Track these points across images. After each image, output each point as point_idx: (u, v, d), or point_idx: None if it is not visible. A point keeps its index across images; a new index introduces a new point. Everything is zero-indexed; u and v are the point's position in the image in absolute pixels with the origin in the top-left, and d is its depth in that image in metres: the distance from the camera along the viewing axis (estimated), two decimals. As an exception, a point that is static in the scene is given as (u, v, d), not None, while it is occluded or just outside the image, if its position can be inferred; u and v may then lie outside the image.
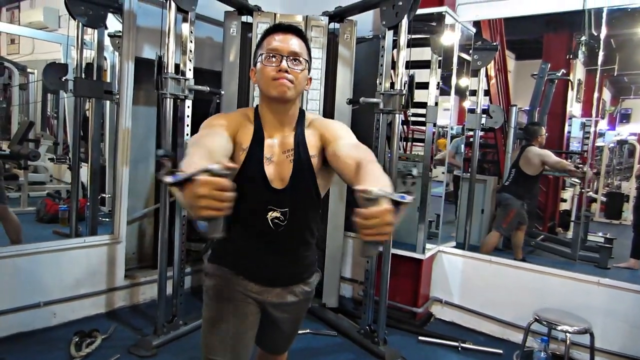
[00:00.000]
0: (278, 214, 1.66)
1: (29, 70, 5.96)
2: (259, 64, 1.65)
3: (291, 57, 1.62)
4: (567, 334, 3.15)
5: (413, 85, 3.33)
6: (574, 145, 7.06)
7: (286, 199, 1.66)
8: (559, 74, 6.44)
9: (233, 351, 1.75)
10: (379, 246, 1.20)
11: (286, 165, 1.65)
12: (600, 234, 6.17)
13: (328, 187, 1.81)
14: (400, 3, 3.32)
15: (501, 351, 3.71)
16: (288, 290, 1.81)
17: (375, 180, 1.29)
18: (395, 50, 3.48)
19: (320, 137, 1.69)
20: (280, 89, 1.60)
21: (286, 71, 1.60)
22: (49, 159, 6.01)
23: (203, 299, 1.83)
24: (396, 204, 1.16)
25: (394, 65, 3.52)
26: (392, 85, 3.50)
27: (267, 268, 1.75)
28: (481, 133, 5.29)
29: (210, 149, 1.41)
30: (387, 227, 1.12)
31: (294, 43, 1.64)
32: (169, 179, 1.10)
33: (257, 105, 1.75)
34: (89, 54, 4.32)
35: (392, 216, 1.13)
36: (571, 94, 6.75)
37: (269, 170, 1.65)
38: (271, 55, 1.61)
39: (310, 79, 1.75)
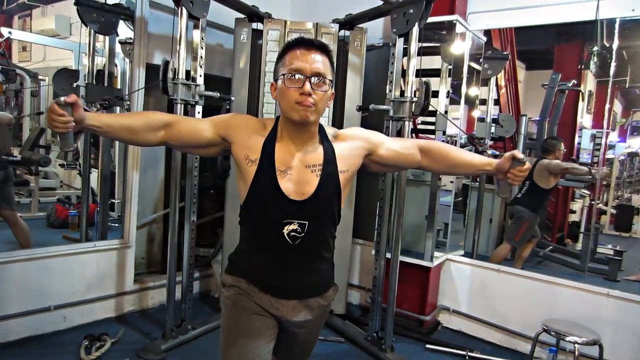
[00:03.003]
0: (295, 226, 1.65)
1: (40, 77, 6.00)
2: (280, 82, 1.61)
3: (315, 78, 1.57)
4: (576, 345, 3.11)
5: (429, 92, 3.30)
6: (584, 157, 7.01)
7: (306, 211, 1.65)
8: (570, 85, 6.41)
9: None
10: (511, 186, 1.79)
11: (310, 178, 1.65)
12: (609, 246, 6.11)
13: (346, 199, 1.81)
14: (412, 11, 3.32)
15: (509, 361, 3.69)
16: (304, 303, 1.78)
17: (469, 154, 1.89)
18: (405, 58, 3.48)
19: (365, 145, 1.77)
20: (302, 114, 1.57)
21: (309, 94, 1.56)
22: (59, 164, 6.04)
23: (221, 310, 1.82)
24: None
25: (404, 73, 3.53)
26: (402, 93, 3.51)
27: (282, 281, 1.73)
28: (491, 142, 5.27)
29: (152, 122, 1.68)
30: (523, 177, 1.71)
31: (318, 62, 1.59)
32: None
33: (278, 117, 1.73)
34: (100, 61, 4.36)
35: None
36: (582, 105, 6.72)
37: (285, 183, 1.63)
38: (293, 75, 1.57)
39: (334, 94, 1.73)
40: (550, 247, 6.18)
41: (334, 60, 1.71)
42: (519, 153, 1.66)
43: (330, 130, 1.77)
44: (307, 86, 1.55)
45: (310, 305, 1.79)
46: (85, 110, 1.54)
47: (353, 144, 1.75)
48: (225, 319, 1.78)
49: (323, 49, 1.64)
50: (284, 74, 1.60)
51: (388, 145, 1.82)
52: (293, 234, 1.65)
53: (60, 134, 1.51)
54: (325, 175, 1.66)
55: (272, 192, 1.63)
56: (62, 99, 1.47)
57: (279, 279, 1.73)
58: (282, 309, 1.75)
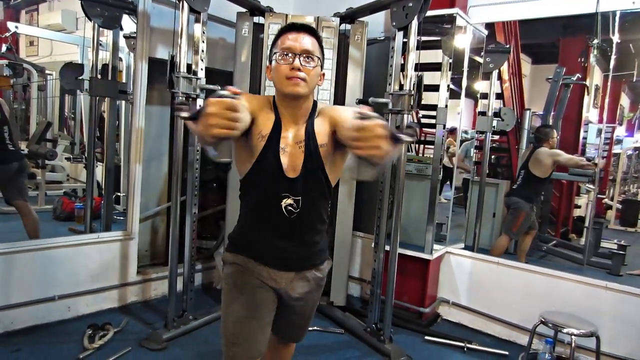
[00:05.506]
0: (292, 201, 1.74)
1: (47, 71, 6.06)
2: (273, 62, 1.74)
3: (304, 55, 1.70)
4: (573, 337, 3.14)
5: (421, 85, 3.35)
6: (591, 152, 6.99)
7: (299, 187, 1.74)
8: (574, 79, 6.38)
9: (250, 335, 1.81)
10: (374, 168, 1.22)
11: (299, 155, 1.74)
12: (614, 240, 6.10)
13: (338, 176, 1.88)
14: (411, 4, 3.34)
15: (507, 353, 3.71)
16: (300, 275, 1.89)
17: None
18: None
19: (329, 120, 1.76)
20: (293, 87, 1.69)
21: (299, 69, 1.68)
22: (65, 158, 6.12)
23: (222, 287, 1.91)
24: (395, 139, 1.20)
25: (405, 66, 3.54)
26: (402, 86, 3.53)
27: (280, 253, 1.83)
28: (496, 137, 5.25)
29: None
30: (379, 140, 1.17)
31: (306, 41, 1.72)
32: (184, 113, 1.23)
33: (273, 96, 1.82)
34: (105, 55, 4.40)
35: (385, 130, 1.18)
36: (587, 99, 6.68)
37: (284, 159, 1.73)
38: (285, 53, 1.70)
39: (324, 74, 1.84)
40: (554, 242, 6.17)
41: (322, 43, 1.82)
42: (363, 108, 1.24)
43: (320, 106, 1.86)
44: (297, 61, 1.69)
45: (306, 277, 1.91)
46: None
47: (325, 119, 1.79)
48: (226, 293, 1.87)
49: (311, 31, 1.76)
50: (276, 52, 1.74)
51: (350, 119, 1.55)
52: (290, 208, 1.76)
53: (221, 139, 1.21)
54: (308, 150, 1.74)
55: (274, 167, 1.72)
56: (225, 92, 1.20)
57: (277, 251, 1.83)
58: (280, 281, 1.86)
